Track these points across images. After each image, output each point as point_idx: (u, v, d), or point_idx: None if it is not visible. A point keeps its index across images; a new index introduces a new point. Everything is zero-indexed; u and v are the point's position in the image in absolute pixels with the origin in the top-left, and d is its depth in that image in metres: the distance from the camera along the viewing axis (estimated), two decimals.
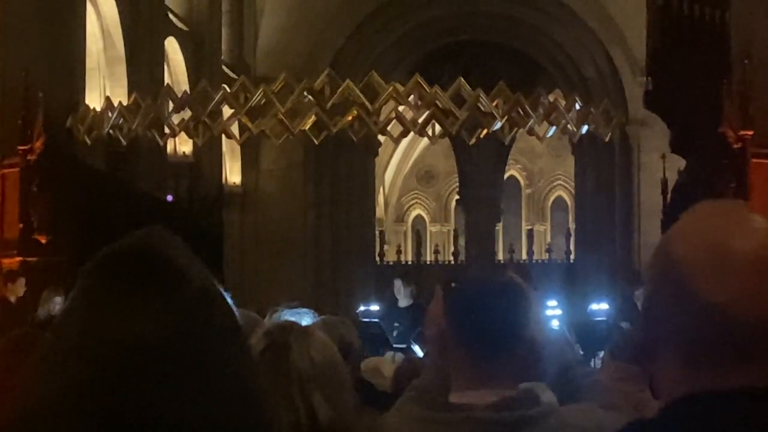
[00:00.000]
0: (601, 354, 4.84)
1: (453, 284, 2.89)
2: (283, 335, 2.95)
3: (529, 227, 41.37)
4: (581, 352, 7.82)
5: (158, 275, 1.44)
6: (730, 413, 1.52)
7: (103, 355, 1.42)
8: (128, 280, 1.44)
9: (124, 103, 19.11)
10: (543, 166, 42.75)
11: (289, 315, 3.17)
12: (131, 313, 1.42)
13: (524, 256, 35.32)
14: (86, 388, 1.41)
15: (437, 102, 18.65)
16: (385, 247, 34.14)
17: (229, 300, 1.52)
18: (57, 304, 11.96)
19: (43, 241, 15.33)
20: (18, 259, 15.13)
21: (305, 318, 3.17)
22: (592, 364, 9.39)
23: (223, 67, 27.15)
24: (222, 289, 1.51)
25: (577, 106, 19.62)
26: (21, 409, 1.50)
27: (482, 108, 18.61)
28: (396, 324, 13.90)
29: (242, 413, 1.46)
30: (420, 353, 9.60)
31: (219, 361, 1.45)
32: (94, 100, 19.82)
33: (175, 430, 1.40)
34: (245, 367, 1.49)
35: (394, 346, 11.70)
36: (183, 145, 23.38)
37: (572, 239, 33.28)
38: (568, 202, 40.17)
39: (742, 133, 14.78)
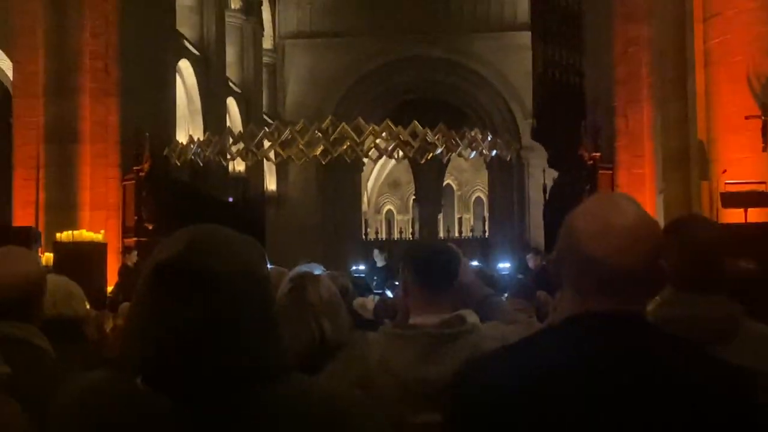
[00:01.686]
0: (505, 295, 4.83)
1: (410, 251, 2.86)
2: (302, 280, 2.92)
3: (459, 216, 41.44)
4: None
5: (200, 282, 1.40)
6: (602, 324, 1.53)
7: (162, 334, 1.39)
8: (178, 285, 1.40)
9: (201, 139, 19.07)
10: (468, 176, 42.79)
11: (305, 268, 3.12)
12: (178, 307, 1.39)
13: (456, 234, 35.42)
14: (157, 352, 1.39)
15: (400, 136, 18.64)
16: (368, 229, 34.13)
17: (264, 277, 1.48)
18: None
19: (150, 227, 15.28)
20: (134, 239, 15.10)
21: (316, 270, 3.12)
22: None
23: (264, 116, 27.13)
24: (259, 269, 1.48)
25: (489, 138, 19.60)
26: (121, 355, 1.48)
27: (429, 140, 18.60)
28: (375, 278, 13.91)
29: (268, 352, 1.44)
30: (390, 295, 9.58)
31: (250, 327, 1.41)
32: (182, 137, 19.78)
33: (220, 376, 1.38)
34: (269, 327, 1.45)
35: (374, 291, 11.69)
36: (238, 166, 23.36)
37: (486, 223, 33.36)
38: (484, 200, 40.30)
39: (593, 154, 14.83)
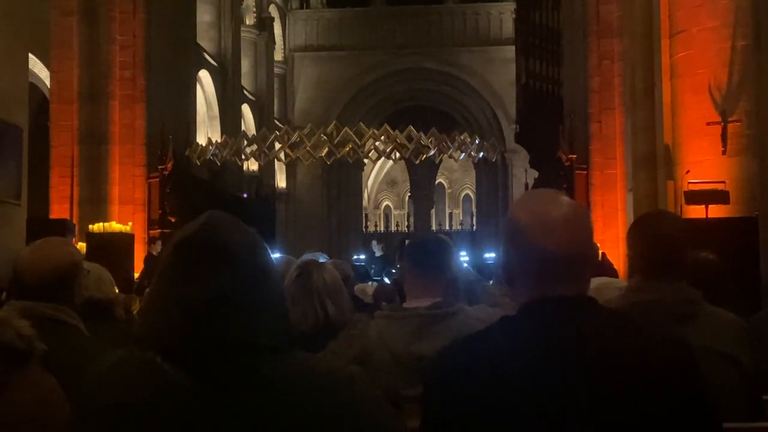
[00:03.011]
0: (491, 281, 4.82)
1: (407, 241, 2.87)
2: (308, 266, 2.93)
3: (450, 211, 41.42)
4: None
5: (216, 254, 1.39)
6: (551, 311, 1.52)
7: (182, 306, 1.38)
8: (197, 258, 1.39)
9: (218, 141, 19.04)
10: (457, 176, 42.76)
11: (310, 256, 3.12)
12: (200, 279, 1.38)
13: (447, 228, 35.41)
14: (182, 321, 1.37)
15: (397, 139, 18.62)
16: (368, 223, 34.11)
17: (269, 257, 1.47)
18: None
19: (173, 220, 15.26)
20: (158, 230, 15.08)
21: (321, 258, 3.13)
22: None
23: (275, 121, 27.10)
24: (265, 251, 1.47)
25: (476, 141, 19.58)
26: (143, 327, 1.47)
27: (422, 143, 18.58)
28: (373, 266, 13.87)
29: (277, 326, 1.43)
30: (387, 281, 9.56)
31: (261, 301, 1.41)
32: (201, 139, 19.76)
33: (234, 348, 1.37)
34: (277, 302, 1.45)
35: (373, 278, 11.67)
36: (252, 165, 23.34)
37: (474, 218, 33.34)
38: (472, 197, 40.29)
39: (570, 156, 14.81)
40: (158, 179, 15.57)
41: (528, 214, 1.57)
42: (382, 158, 22.20)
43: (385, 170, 42.98)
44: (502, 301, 3.31)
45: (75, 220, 13.82)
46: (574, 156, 14.78)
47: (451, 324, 2.51)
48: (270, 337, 1.40)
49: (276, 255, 5.70)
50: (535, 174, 20.04)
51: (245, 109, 25.23)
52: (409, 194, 39.79)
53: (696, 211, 8.10)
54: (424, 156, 19.27)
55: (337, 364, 1.60)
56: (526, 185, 20.88)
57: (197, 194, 16.68)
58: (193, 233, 1.41)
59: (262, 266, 1.43)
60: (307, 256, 3.13)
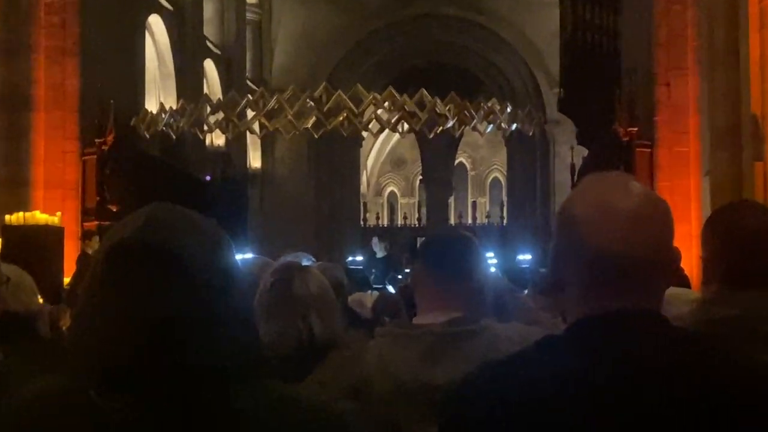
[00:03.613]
0: (526, 291, 4.83)
1: (419, 239, 2.89)
2: (288, 273, 2.93)
3: (473, 200, 41.44)
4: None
5: (161, 264, 1.39)
6: (609, 331, 1.52)
7: (118, 328, 1.37)
8: (135, 269, 1.39)
9: (174, 108, 19.06)
10: (483, 154, 42.79)
11: (291, 258, 3.13)
12: (139, 295, 1.37)
13: (470, 221, 35.45)
14: (121, 346, 1.37)
15: (405, 107, 18.65)
16: (367, 214, 34.15)
17: (233, 261, 1.47)
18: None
19: (114, 209, 15.29)
20: (95, 222, 15.11)
21: (304, 260, 3.14)
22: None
23: (248, 81, 27.08)
24: (228, 253, 1.46)
25: (508, 110, 19.58)
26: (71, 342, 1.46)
27: (438, 111, 18.61)
28: (374, 270, 13.92)
29: (244, 348, 1.43)
30: (392, 290, 9.59)
31: (222, 317, 1.41)
32: (151, 105, 19.76)
33: (184, 377, 1.37)
34: (243, 317, 1.45)
35: (373, 286, 11.68)
36: (217, 139, 23.34)
37: (505, 208, 33.36)
38: (502, 181, 40.26)
39: (629, 129, 14.81)
40: (95, 157, 15.58)
41: (586, 204, 1.57)
42: (386, 131, 22.18)
43: (390, 146, 42.97)
44: (540, 316, 3.32)
45: None
46: (635, 129, 14.76)
47: (474, 345, 2.52)
48: (236, 363, 1.40)
49: (247, 256, 5.71)
50: (584, 152, 20.02)
51: (208, 65, 25.20)
52: (420, 178, 39.79)
53: None
54: (441, 128, 19.27)
55: (325, 398, 1.60)
56: (572, 167, 20.84)
57: (146, 176, 16.69)
58: (130, 236, 1.41)
59: (224, 273, 1.43)
60: (286, 258, 3.13)
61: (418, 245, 2.79)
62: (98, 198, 15.49)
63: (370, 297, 6.14)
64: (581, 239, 1.55)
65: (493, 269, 5.99)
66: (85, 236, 14.51)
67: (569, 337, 1.55)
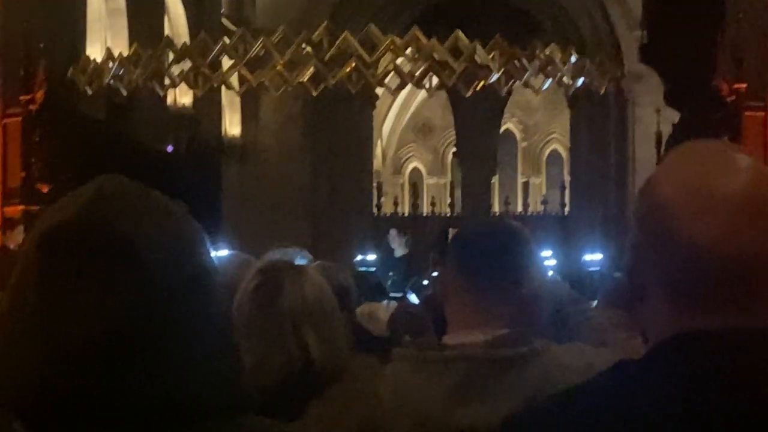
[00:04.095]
0: (594, 302, 4.83)
1: (452, 231, 2.90)
2: (276, 274, 2.93)
3: (525, 180, 41.38)
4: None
5: (111, 259, 1.38)
6: (714, 353, 1.50)
7: (50, 345, 1.36)
8: (75, 266, 1.37)
9: (125, 55, 19.09)
10: (539, 120, 42.71)
11: (279, 254, 3.14)
12: (83, 302, 1.36)
13: (519, 209, 35.41)
14: (56, 370, 1.36)
15: (434, 54, 18.64)
16: (382, 199, 34.14)
17: (206, 257, 1.46)
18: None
19: (45, 190, 15.34)
20: (20, 207, 15.16)
21: (298, 258, 3.14)
22: None
23: (223, 20, 27.06)
24: (198, 247, 1.46)
25: (573, 59, 19.56)
26: None
27: (479, 61, 18.60)
28: (391, 273, 13.92)
29: (218, 376, 1.43)
30: (415, 300, 9.61)
31: (190, 333, 1.40)
32: (95, 52, 19.78)
33: (141, 410, 1.37)
34: (217, 334, 1.45)
35: (390, 295, 11.70)
36: (183, 97, 23.35)
37: (567, 192, 33.29)
38: (564, 156, 40.16)
39: (736, 86, 14.80)
40: (20, 119, 15.62)
41: (678, 185, 1.56)
42: (409, 87, 22.18)
43: (414, 109, 42.92)
44: (612, 335, 3.32)
45: None
46: (743, 86, 14.73)
47: (524, 375, 2.53)
48: (208, 394, 1.40)
49: (221, 253, 5.72)
50: (674, 116, 19.98)
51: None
52: (453, 151, 39.76)
53: None
54: (481, 83, 19.26)
55: None
56: (658, 136, 20.83)
57: (88, 146, 16.73)
58: (68, 220, 1.40)
59: (192, 274, 1.43)
60: (274, 255, 3.13)
61: (449, 239, 2.79)
62: (23, 174, 15.53)
63: (385, 309, 6.16)
64: (671, 233, 1.53)
65: (551, 273, 5.99)
66: (6, 225, 14.57)
67: (654, 363, 1.54)
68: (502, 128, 39.96)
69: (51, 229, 1.41)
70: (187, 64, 19.24)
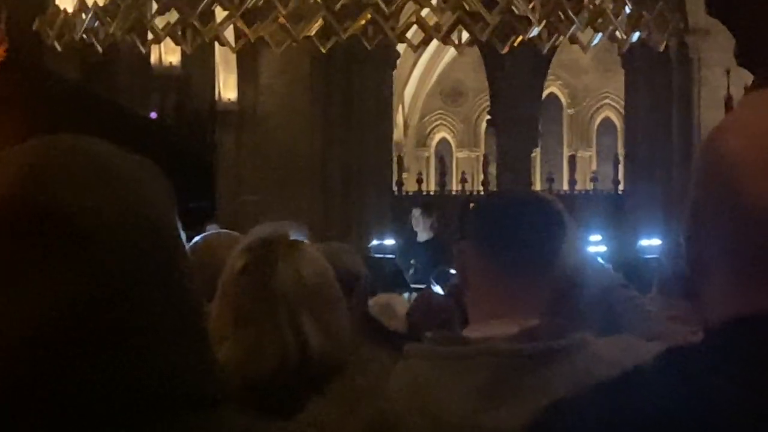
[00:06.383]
0: (649, 295, 4.84)
1: (472, 205, 2.91)
2: (267, 250, 2.94)
3: (572, 153, 41.43)
4: None
5: (49, 232, 1.38)
6: None
7: (14, 328, 1.38)
8: (10, 239, 1.39)
9: (101, 3, 19.15)
10: (588, 82, 42.73)
11: (271, 229, 3.14)
12: (19, 283, 1.37)
13: (565, 187, 35.48)
14: (11, 360, 1.37)
15: (464, 4, 18.64)
16: (404, 175, 34.24)
17: (173, 227, 1.48)
18: None
19: None
20: None
21: (294, 233, 3.14)
22: None
23: None
24: (163, 216, 1.47)
25: (627, 10, 19.54)
26: None
27: (516, 11, 18.59)
28: (413, 261, 13.92)
29: (198, 365, 1.45)
30: (440, 291, 9.64)
31: (165, 320, 1.42)
32: (65, 1, 19.87)
33: (99, 402, 1.38)
34: (194, 320, 1.47)
35: (411, 285, 11.72)
36: (169, 54, 23.45)
37: (621, 167, 33.34)
38: (617, 125, 40.22)
39: None
40: None
41: (749, 138, 1.55)
42: (435, 43, 22.20)
43: (441, 69, 42.96)
44: (667, 328, 3.32)
45: None
46: None
47: (560, 371, 2.54)
48: (187, 385, 1.43)
49: (209, 231, 5.73)
50: (748, 78, 20.00)
51: None
52: (488, 119, 39.81)
53: None
54: (519, 39, 19.27)
55: None
56: (728, 100, 20.84)
57: (58, 111, 16.83)
58: (12, 191, 1.41)
59: (153, 252, 1.45)
60: (263, 230, 3.13)
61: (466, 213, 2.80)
62: None
63: (404, 302, 6.19)
64: (738, 194, 1.52)
65: (599, 259, 6.01)
66: None
67: (711, 350, 1.53)
68: (545, 92, 39.98)
69: None
70: (173, 16, 19.31)
